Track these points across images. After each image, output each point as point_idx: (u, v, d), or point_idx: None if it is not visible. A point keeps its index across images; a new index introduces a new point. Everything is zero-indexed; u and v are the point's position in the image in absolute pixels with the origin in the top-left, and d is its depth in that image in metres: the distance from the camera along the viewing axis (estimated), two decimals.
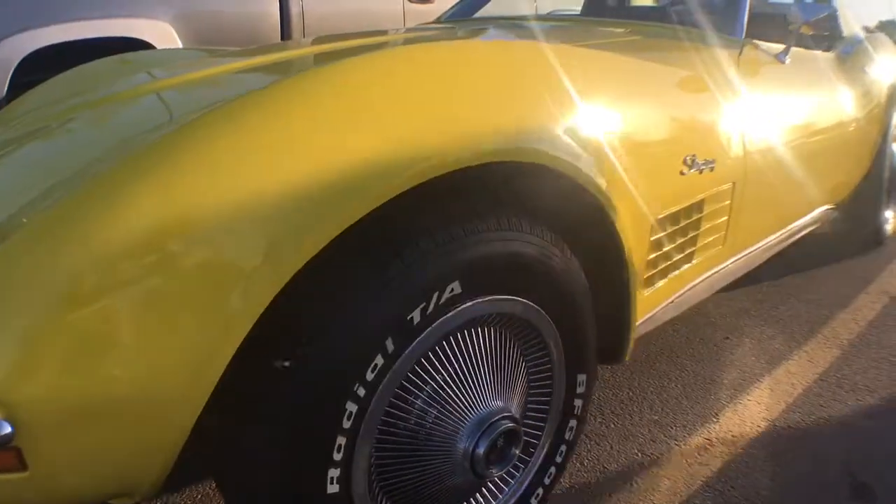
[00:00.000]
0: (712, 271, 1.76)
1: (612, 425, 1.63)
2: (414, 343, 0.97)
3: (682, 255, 1.57)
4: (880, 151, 2.58)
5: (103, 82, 1.60)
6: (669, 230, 1.48)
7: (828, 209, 2.42)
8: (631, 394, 1.76)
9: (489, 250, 1.02)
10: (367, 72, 0.98)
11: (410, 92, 0.98)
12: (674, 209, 1.45)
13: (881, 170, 2.61)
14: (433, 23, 2.45)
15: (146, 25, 3.22)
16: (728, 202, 1.67)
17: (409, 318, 0.95)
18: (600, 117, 1.26)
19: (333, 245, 0.84)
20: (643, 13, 2.56)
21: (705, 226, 1.61)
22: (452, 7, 2.69)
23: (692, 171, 1.47)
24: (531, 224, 1.10)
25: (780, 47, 2.00)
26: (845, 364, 1.90)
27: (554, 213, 1.19)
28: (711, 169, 1.54)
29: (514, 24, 2.19)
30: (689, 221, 1.53)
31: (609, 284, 1.32)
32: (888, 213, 2.82)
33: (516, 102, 1.11)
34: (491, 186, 1.10)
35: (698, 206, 1.55)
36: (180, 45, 3.32)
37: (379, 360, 0.93)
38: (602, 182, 1.19)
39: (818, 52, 2.34)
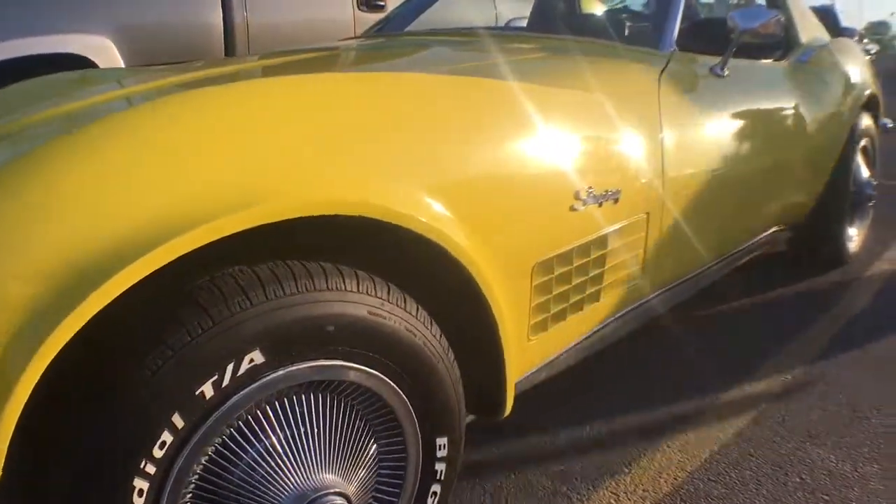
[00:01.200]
0: (629, 308, 1.61)
1: (513, 476, 1.49)
2: (211, 419, 0.86)
3: (583, 296, 1.42)
4: (841, 166, 2.42)
5: None
6: (561, 271, 1.33)
7: (779, 230, 2.27)
8: (539, 437, 1.63)
9: (298, 314, 0.89)
10: (158, 119, 0.88)
11: (211, 138, 0.87)
12: (564, 249, 1.31)
13: (843, 185, 2.45)
14: (359, 37, 2.31)
15: (83, 41, 3.10)
16: (642, 234, 1.53)
17: (198, 392, 0.84)
18: (464, 156, 1.12)
19: (113, 311, 0.75)
20: (568, 26, 2.40)
21: (612, 262, 1.47)
22: (379, 22, 2.54)
23: (588, 205, 1.33)
24: (361, 282, 0.97)
25: (718, 59, 1.85)
26: (794, 399, 1.76)
27: (394, 268, 1.05)
28: (616, 200, 1.40)
29: (422, 42, 2.03)
30: (587, 259, 1.39)
31: (477, 340, 1.18)
32: (852, 231, 2.66)
33: (345, 146, 0.98)
34: (304, 242, 0.97)
35: (600, 242, 1.40)
36: (120, 61, 3.22)
37: (167, 437, 0.83)
38: (456, 230, 1.05)
39: (767, 62, 2.19)
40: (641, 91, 1.56)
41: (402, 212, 0.99)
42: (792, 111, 2.13)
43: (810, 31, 2.52)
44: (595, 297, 1.46)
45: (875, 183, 2.71)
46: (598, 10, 3.39)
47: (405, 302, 1.04)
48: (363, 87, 1.11)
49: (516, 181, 1.19)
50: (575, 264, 1.36)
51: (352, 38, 2.27)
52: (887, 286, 2.48)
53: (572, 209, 1.30)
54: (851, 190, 2.53)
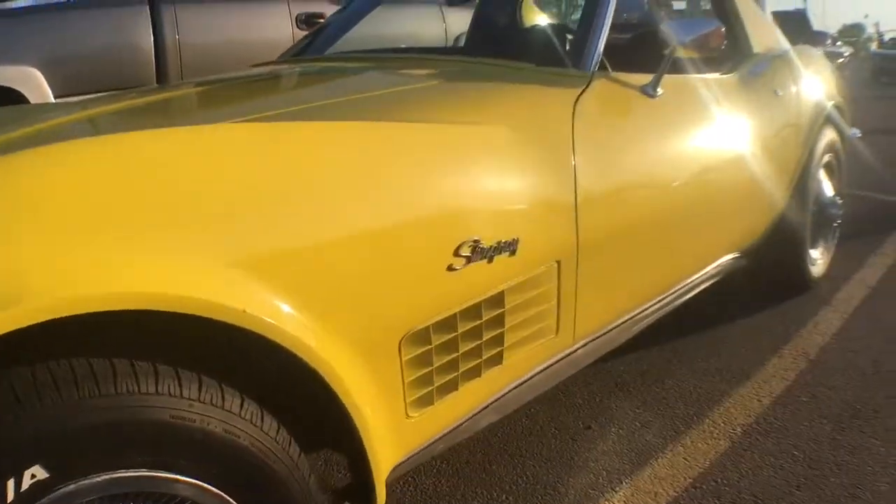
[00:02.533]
0: (545, 365, 1.41)
1: None
2: None
3: (478, 361, 1.22)
4: (800, 185, 2.23)
5: None
6: (443, 340, 1.13)
7: (732, 258, 2.07)
8: None
9: (83, 422, 0.75)
10: None
11: None
12: (443, 316, 1.11)
13: (802, 206, 2.26)
14: (269, 63, 2.10)
15: (8, 73, 2.97)
16: (552, 285, 1.33)
17: None
18: (291, 219, 0.92)
19: None
20: (504, 43, 2.20)
21: (515, 320, 1.27)
22: (303, 39, 2.34)
23: (474, 262, 1.13)
24: (162, 381, 0.81)
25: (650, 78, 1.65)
26: (731, 463, 1.55)
27: (220, 361, 0.89)
28: (512, 252, 1.20)
29: (314, 71, 1.83)
30: (479, 322, 1.19)
31: (333, 429, 0.99)
32: (816, 253, 2.47)
33: (131, 221, 0.80)
34: (97, 338, 0.81)
35: (494, 301, 1.20)
36: (48, 90, 3.07)
37: None
38: (281, 314, 0.88)
39: (713, 77, 1.99)
40: (550, 119, 1.36)
41: (207, 300, 0.81)
42: (739, 130, 1.94)
43: (765, 40, 2.33)
44: (496, 360, 1.26)
45: (840, 201, 2.51)
46: (541, 23, 3.21)
47: (223, 399, 0.86)
48: (158, 146, 0.91)
49: (369, 245, 0.99)
50: (461, 330, 1.16)
51: (261, 64, 2.07)
52: (855, 313, 2.28)
53: (450, 270, 1.10)
54: (813, 210, 2.34)
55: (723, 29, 1.63)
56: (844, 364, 1.96)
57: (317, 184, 0.97)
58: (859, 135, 2.95)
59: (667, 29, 1.61)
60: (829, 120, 2.42)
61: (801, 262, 2.32)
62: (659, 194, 1.59)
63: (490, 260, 1.16)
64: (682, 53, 1.63)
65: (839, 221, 2.53)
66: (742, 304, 2.35)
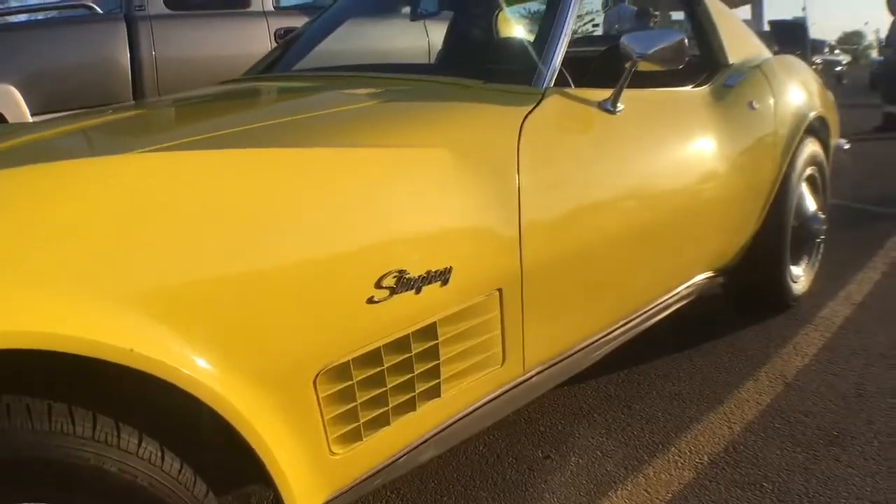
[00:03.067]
0: (492, 395, 1.35)
1: None
2: None
3: (412, 394, 1.16)
4: (780, 200, 2.15)
5: None
6: (367, 374, 1.07)
7: (706, 278, 2.00)
8: None
9: None
10: None
11: None
12: (366, 349, 1.05)
13: (781, 223, 2.18)
14: (234, 80, 2.06)
15: None
16: (495, 313, 1.26)
17: None
18: (188, 252, 0.87)
19: None
20: (475, 55, 2.15)
21: (453, 350, 1.21)
22: (268, 56, 2.29)
23: (399, 293, 1.07)
24: (55, 420, 0.79)
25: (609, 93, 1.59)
26: (694, 495, 1.48)
27: (122, 398, 0.85)
28: (444, 282, 1.13)
29: (260, 90, 1.78)
30: (408, 355, 1.13)
31: (248, 466, 0.94)
32: (798, 270, 2.39)
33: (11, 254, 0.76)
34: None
35: (425, 333, 1.14)
36: (24, 107, 3.05)
37: None
38: (171, 351, 0.83)
39: (682, 90, 1.93)
40: (493, 140, 1.30)
41: (92, 339, 0.77)
42: (709, 145, 1.87)
43: (743, 51, 2.26)
44: (432, 392, 1.20)
45: (823, 216, 2.43)
46: (515, 35, 3.16)
47: (118, 438, 0.82)
48: (47, 180, 0.87)
49: (276, 279, 0.93)
50: (388, 364, 1.10)
51: (227, 82, 2.02)
52: (838, 332, 2.19)
53: (371, 302, 1.03)
54: (793, 226, 2.26)
55: (685, 40, 1.56)
56: (824, 387, 1.88)
57: (219, 215, 0.92)
58: (846, 146, 2.88)
59: (627, 42, 1.55)
60: (811, 132, 2.34)
61: (781, 279, 2.24)
62: (618, 215, 1.53)
63: (418, 291, 1.09)
64: (643, 67, 1.56)
65: (822, 237, 2.45)
66: (719, 324, 2.27)
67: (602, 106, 1.56)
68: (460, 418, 1.29)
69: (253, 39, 3.59)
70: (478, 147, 1.27)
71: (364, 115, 1.33)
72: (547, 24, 1.58)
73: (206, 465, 0.93)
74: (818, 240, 2.44)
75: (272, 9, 3.72)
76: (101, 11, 3.36)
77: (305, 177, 1.03)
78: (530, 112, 1.39)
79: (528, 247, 1.28)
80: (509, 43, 2.09)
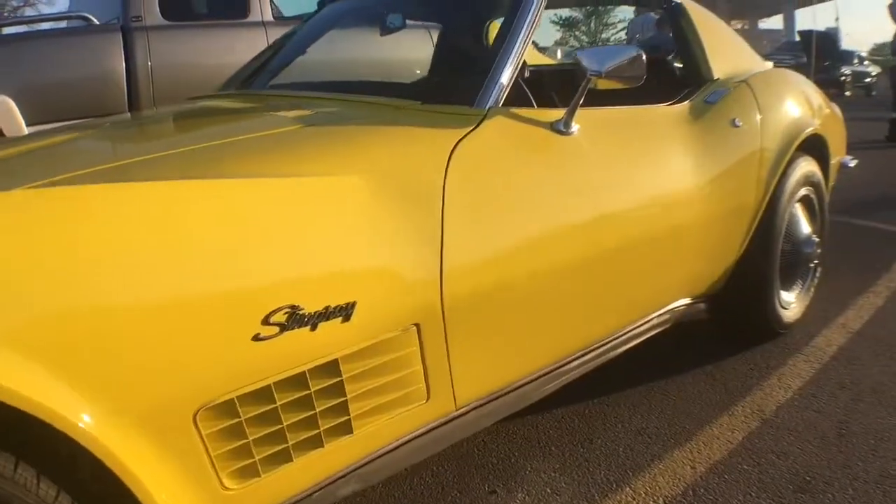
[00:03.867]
0: (418, 432, 1.28)
1: None
2: None
3: (316, 432, 1.11)
4: (766, 223, 2.04)
5: None
6: (259, 411, 1.03)
7: (685, 304, 1.90)
8: None
9: None
10: None
11: None
12: (253, 386, 1.00)
13: (768, 246, 2.06)
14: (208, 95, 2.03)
15: None
16: (414, 349, 1.20)
17: None
18: (67, 291, 0.85)
19: None
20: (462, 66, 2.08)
21: (360, 388, 1.14)
22: (249, 64, 2.25)
23: (290, 330, 1.01)
24: None
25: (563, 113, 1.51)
26: None
27: None
28: (345, 318, 1.07)
29: (196, 112, 1.74)
30: (306, 393, 1.07)
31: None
32: (789, 296, 2.26)
33: None
34: None
35: (325, 370, 1.09)
36: (20, 117, 3.08)
37: None
38: (48, 384, 0.82)
39: (655, 108, 1.83)
40: (416, 165, 1.24)
41: None
42: (683, 166, 1.77)
43: (731, 64, 2.15)
44: (342, 429, 1.14)
45: (818, 240, 2.30)
46: (460, 51, 3.08)
47: None
48: None
49: (153, 314, 0.90)
50: (282, 401, 1.05)
51: (194, 98, 2.00)
52: (829, 364, 2.07)
53: (258, 339, 0.98)
54: (784, 250, 2.14)
55: (643, 56, 1.47)
56: (803, 425, 1.76)
57: (91, 250, 0.88)
58: (852, 164, 2.74)
59: (581, 58, 1.46)
60: (805, 150, 2.22)
61: (769, 306, 2.12)
62: (567, 243, 1.44)
63: (313, 327, 1.03)
64: (603, 85, 1.48)
65: (817, 261, 2.32)
66: (701, 352, 2.16)
67: (554, 127, 1.48)
68: (383, 454, 1.23)
69: (251, 50, 3.56)
70: (397, 174, 1.20)
71: (278, 142, 1.28)
72: (499, 40, 1.50)
73: (86, 495, 0.91)
74: (812, 264, 2.31)
75: (271, 19, 3.71)
76: (98, 22, 3.38)
77: (188, 210, 0.98)
78: (466, 135, 1.32)
79: (452, 280, 1.21)
80: (452, 60, 2.02)
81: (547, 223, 1.40)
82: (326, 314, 1.04)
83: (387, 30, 2.02)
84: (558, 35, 24.59)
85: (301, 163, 1.16)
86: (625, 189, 1.60)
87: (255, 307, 0.97)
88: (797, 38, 12.35)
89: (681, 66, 2.15)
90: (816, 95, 2.48)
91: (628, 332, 1.72)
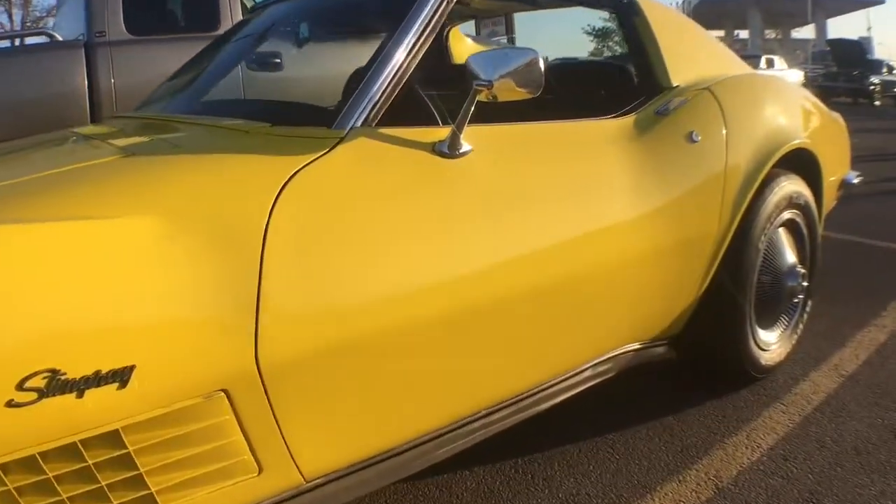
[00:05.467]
0: None
1: None
2: None
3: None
4: (736, 252, 1.76)
5: None
6: (29, 481, 0.88)
7: (633, 350, 1.64)
8: None
9: None
10: None
11: None
12: (12, 456, 0.86)
13: (739, 279, 1.78)
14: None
15: None
16: (227, 417, 0.99)
17: None
18: None
19: None
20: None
21: (158, 461, 0.96)
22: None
23: (49, 396, 0.85)
24: None
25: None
26: None
27: None
28: (122, 384, 0.89)
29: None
30: (82, 465, 0.90)
31: None
32: (770, 336, 1.97)
33: None
34: None
35: (102, 441, 0.92)
36: None
37: None
38: None
39: (585, 123, 1.59)
40: (235, 202, 1.03)
41: None
42: (620, 190, 1.52)
43: (695, 70, 1.88)
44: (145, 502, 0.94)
45: (803, 271, 2.01)
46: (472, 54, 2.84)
47: None
48: None
49: None
50: (55, 472, 0.89)
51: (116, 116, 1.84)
52: (809, 417, 1.77)
53: (13, 405, 0.84)
54: (763, 283, 1.86)
55: (539, 60, 1.23)
56: (764, 496, 1.48)
57: None
58: (856, 181, 2.44)
59: (471, 64, 1.23)
60: (789, 166, 1.94)
61: (741, 347, 1.83)
62: (449, 288, 1.20)
63: (80, 394, 0.87)
64: (504, 96, 1.24)
65: (801, 296, 2.02)
66: (665, 399, 1.88)
67: (437, 149, 1.25)
68: None
69: None
70: (206, 213, 1.00)
71: (71, 179, 1.10)
72: (376, 53, 1.28)
73: None
74: (797, 299, 2.01)
75: None
76: (62, 39, 3.28)
77: None
78: (310, 163, 1.11)
79: (273, 338, 1.00)
80: (314, 77, 1.82)
81: (419, 265, 1.17)
82: (96, 379, 0.88)
83: (300, 43, 1.83)
84: (592, 46, 24.17)
85: (81, 203, 0.98)
86: (537, 220, 1.35)
87: (8, 371, 0.83)
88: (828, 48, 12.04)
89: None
90: (806, 104, 2.19)
91: (552, 385, 1.48)
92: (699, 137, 1.69)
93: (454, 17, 2.67)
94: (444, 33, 2.66)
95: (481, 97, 1.21)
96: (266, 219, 1.02)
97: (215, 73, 1.86)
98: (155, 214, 0.97)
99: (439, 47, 2.65)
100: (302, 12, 2.04)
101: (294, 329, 1.01)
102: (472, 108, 1.22)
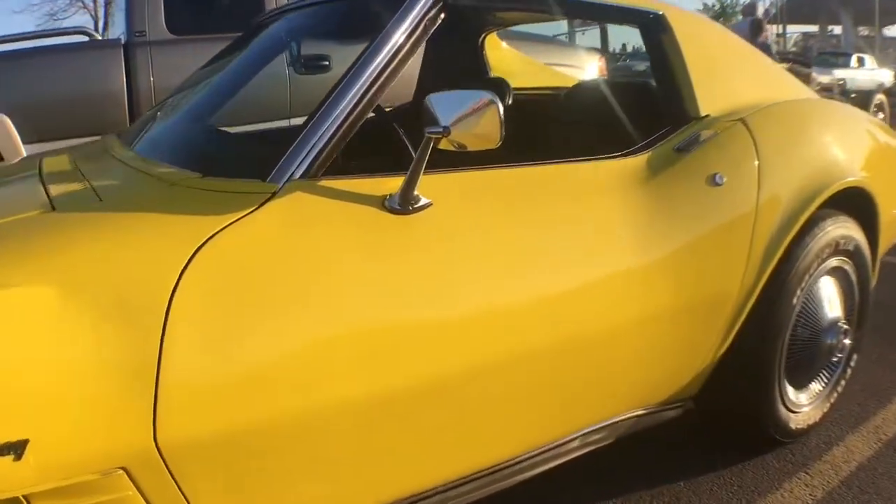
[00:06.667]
0: None
1: None
2: None
3: None
4: (766, 307, 1.56)
5: None
6: None
7: (630, 418, 1.48)
8: None
9: None
10: None
11: None
12: None
13: (765, 338, 1.59)
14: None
15: None
16: (127, 493, 0.92)
17: None
18: None
19: None
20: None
21: None
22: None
23: None
24: None
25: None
26: None
27: None
28: (17, 456, 0.86)
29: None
30: None
31: None
32: (802, 396, 1.75)
33: None
34: None
35: None
36: (15, 135, 3.06)
37: None
38: None
39: (584, 165, 1.42)
40: (139, 269, 0.94)
41: None
42: (621, 243, 1.35)
43: (732, 97, 1.67)
44: None
45: (846, 327, 1.77)
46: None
47: None
48: None
49: None
50: None
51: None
52: (837, 490, 1.56)
53: None
54: (796, 338, 1.66)
55: (496, 104, 1.07)
56: None
57: None
58: None
59: (430, 105, 1.08)
60: (840, 206, 1.71)
61: (765, 410, 1.64)
62: (393, 361, 1.09)
63: None
64: (474, 145, 1.10)
65: (846, 353, 1.79)
66: (677, 464, 1.70)
67: (387, 204, 1.12)
68: None
69: None
70: (105, 282, 0.91)
71: None
72: (327, 95, 1.16)
73: None
74: (835, 358, 1.78)
75: None
76: (101, 38, 3.31)
77: None
78: (232, 223, 1.01)
79: (174, 417, 0.91)
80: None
81: (347, 339, 1.04)
82: None
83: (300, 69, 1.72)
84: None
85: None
86: (504, 284, 1.19)
87: None
88: None
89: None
90: (868, 133, 1.94)
91: (535, 455, 1.34)
92: (723, 179, 1.50)
93: (487, 25, 2.51)
94: (480, 41, 2.51)
95: (443, 145, 1.07)
96: (171, 289, 0.92)
97: (185, 112, 1.73)
98: (57, 284, 0.90)
99: (475, 58, 2.51)
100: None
101: (196, 407, 0.92)
102: (426, 157, 1.08)
